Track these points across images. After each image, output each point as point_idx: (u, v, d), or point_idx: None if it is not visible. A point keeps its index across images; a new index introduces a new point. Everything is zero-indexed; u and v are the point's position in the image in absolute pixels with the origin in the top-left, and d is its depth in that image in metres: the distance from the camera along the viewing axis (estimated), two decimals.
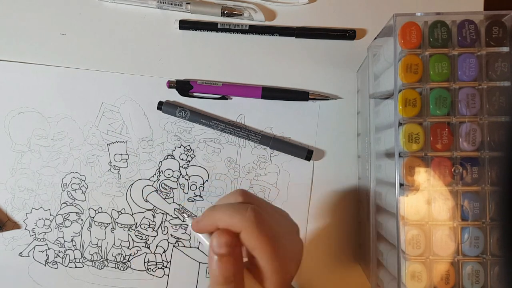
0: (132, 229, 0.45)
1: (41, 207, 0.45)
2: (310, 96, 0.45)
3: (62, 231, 0.45)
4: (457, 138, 0.32)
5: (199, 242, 0.39)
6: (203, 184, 0.45)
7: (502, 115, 0.32)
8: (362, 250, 0.44)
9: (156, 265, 0.45)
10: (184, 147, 0.46)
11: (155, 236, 0.45)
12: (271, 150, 0.45)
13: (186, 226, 0.45)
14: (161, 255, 0.45)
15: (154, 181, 0.46)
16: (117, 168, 0.46)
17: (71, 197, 0.46)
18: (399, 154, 0.33)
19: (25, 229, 0.45)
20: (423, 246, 0.32)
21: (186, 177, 0.46)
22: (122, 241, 0.45)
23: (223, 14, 0.45)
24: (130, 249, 0.45)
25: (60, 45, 0.46)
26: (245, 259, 0.30)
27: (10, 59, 0.46)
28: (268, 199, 0.45)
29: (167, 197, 0.45)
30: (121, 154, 0.46)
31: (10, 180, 0.46)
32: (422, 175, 0.33)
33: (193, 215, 0.35)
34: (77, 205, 0.46)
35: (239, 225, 0.28)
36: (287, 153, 0.45)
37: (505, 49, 0.32)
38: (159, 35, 0.46)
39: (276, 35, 0.45)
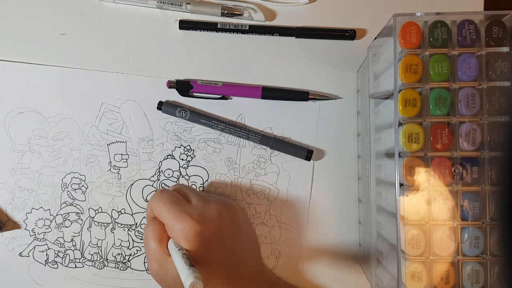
0: (132, 229, 0.45)
1: (41, 207, 0.46)
2: (310, 96, 0.45)
3: (62, 231, 0.45)
4: (457, 138, 0.32)
5: None
6: (203, 184, 0.45)
7: (502, 115, 0.32)
8: (362, 250, 0.44)
9: None
10: (184, 147, 0.46)
11: None
12: (271, 150, 0.45)
13: None
14: None
15: (154, 181, 0.46)
16: (117, 168, 0.46)
17: (71, 197, 0.46)
18: (399, 154, 0.33)
19: (25, 229, 0.45)
20: (423, 246, 0.32)
21: (186, 177, 0.46)
22: (122, 241, 0.45)
23: (223, 14, 0.45)
24: (130, 249, 0.45)
25: (60, 45, 0.46)
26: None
27: (10, 59, 0.46)
28: (268, 199, 0.45)
29: None
30: (121, 154, 0.46)
31: (10, 180, 0.46)
32: (422, 175, 0.33)
33: None
34: (77, 205, 0.46)
35: (149, 205, 0.39)
36: (287, 153, 0.45)
37: (505, 49, 0.32)
38: (159, 35, 0.46)
39: (276, 35, 0.45)
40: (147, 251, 0.38)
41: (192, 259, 0.34)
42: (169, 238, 0.37)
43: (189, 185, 0.46)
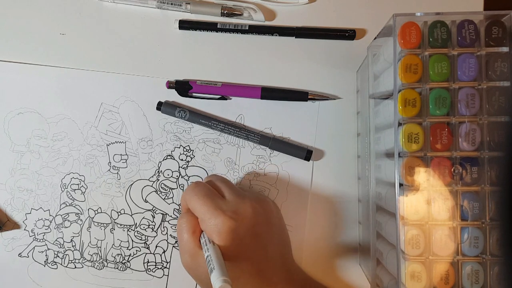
0: (131, 229, 0.45)
1: (41, 207, 0.45)
2: (309, 96, 0.45)
3: (61, 232, 0.45)
4: (457, 138, 0.32)
5: None
6: None
7: (502, 115, 0.32)
8: (362, 250, 0.44)
9: (155, 265, 0.45)
10: (184, 148, 0.46)
11: (155, 237, 0.45)
12: (271, 150, 0.45)
13: None
14: (161, 255, 0.45)
15: (154, 182, 0.46)
16: (116, 168, 0.46)
17: (71, 197, 0.46)
18: (399, 154, 0.33)
19: (24, 229, 0.45)
20: (423, 246, 0.32)
21: (186, 177, 0.46)
22: (121, 241, 0.45)
23: (223, 14, 0.45)
24: (129, 250, 0.45)
25: (60, 45, 0.46)
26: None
27: (10, 59, 0.46)
28: None
29: (166, 198, 0.45)
30: (121, 155, 0.46)
31: (9, 181, 0.46)
32: (421, 175, 0.33)
33: None
34: (76, 205, 0.46)
35: (183, 196, 0.39)
36: (286, 153, 0.45)
37: (505, 49, 0.32)
38: (159, 35, 0.46)
39: (276, 35, 0.45)
40: (180, 242, 0.38)
41: (223, 256, 0.33)
42: (202, 231, 0.37)
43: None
